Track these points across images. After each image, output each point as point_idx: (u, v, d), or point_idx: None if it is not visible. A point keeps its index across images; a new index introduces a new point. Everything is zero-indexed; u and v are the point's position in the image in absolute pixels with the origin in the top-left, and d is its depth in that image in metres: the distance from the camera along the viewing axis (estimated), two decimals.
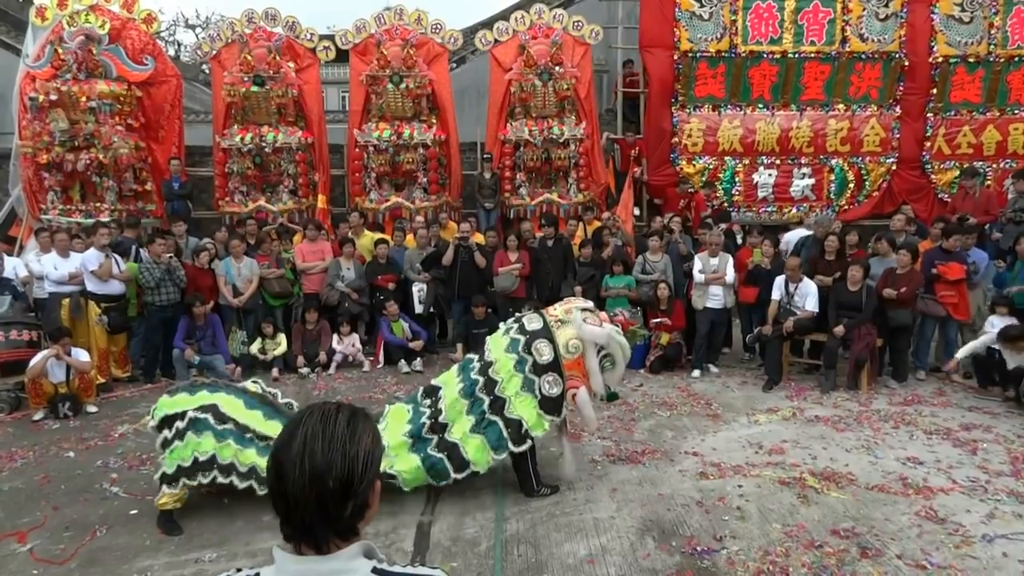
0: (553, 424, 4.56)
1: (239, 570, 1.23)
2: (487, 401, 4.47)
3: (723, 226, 9.14)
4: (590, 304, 4.91)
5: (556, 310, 4.75)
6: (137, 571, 3.76)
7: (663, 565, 3.70)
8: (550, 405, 4.45)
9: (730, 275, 7.81)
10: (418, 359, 8.22)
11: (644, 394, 7.05)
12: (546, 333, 4.55)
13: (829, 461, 5.13)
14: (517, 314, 5.01)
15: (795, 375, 7.72)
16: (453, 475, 4.46)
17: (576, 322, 4.58)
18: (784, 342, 7.55)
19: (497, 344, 4.65)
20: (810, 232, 8.78)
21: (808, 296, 7.34)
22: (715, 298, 7.82)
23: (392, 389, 7.37)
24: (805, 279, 7.43)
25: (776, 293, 7.54)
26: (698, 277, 7.86)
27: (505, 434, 4.44)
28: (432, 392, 4.74)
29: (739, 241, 9.05)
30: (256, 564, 1.20)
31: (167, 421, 4.30)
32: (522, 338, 4.54)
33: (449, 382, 4.73)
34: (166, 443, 4.26)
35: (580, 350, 4.51)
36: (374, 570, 1.16)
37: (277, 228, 9.48)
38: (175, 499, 4.22)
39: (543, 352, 4.47)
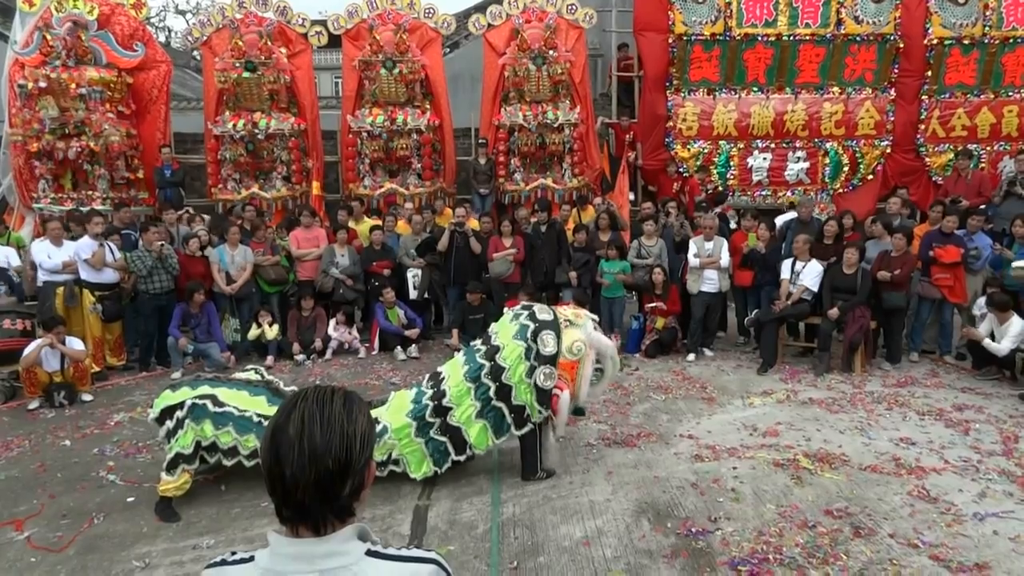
0: (542, 415, 4.60)
1: (234, 553, 1.24)
2: (493, 388, 4.49)
3: (717, 209, 9.14)
4: (596, 318, 5.00)
5: (567, 311, 4.79)
6: (135, 558, 3.77)
7: (658, 546, 3.73)
8: (540, 396, 4.48)
9: (725, 259, 7.82)
10: (413, 346, 8.23)
11: (639, 378, 7.08)
12: (555, 326, 4.57)
13: (823, 442, 5.17)
14: (525, 302, 5.04)
15: (789, 358, 7.76)
16: (454, 456, 4.52)
17: (587, 327, 4.64)
18: (780, 325, 7.58)
19: (505, 330, 4.66)
20: (796, 215, 8.81)
21: (807, 277, 7.36)
22: (710, 282, 7.83)
23: (388, 376, 7.39)
24: (813, 260, 7.44)
25: (785, 272, 7.57)
26: (693, 261, 7.87)
27: (509, 419, 4.49)
28: (436, 377, 4.76)
29: (732, 225, 9.06)
30: (253, 549, 1.20)
31: (168, 412, 4.35)
32: (531, 325, 4.56)
33: (454, 366, 4.75)
34: (169, 434, 4.33)
35: (581, 354, 4.53)
36: (368, 552, 1.17)
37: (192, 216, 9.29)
38: (176, 486, 4.25)
39: (547, 343, 4.49)
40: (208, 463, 4.46)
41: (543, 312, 4.67)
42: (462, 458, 4.56)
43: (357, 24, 10.36)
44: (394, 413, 4.59)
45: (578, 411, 4.86)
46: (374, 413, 4.44)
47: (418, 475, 4.52)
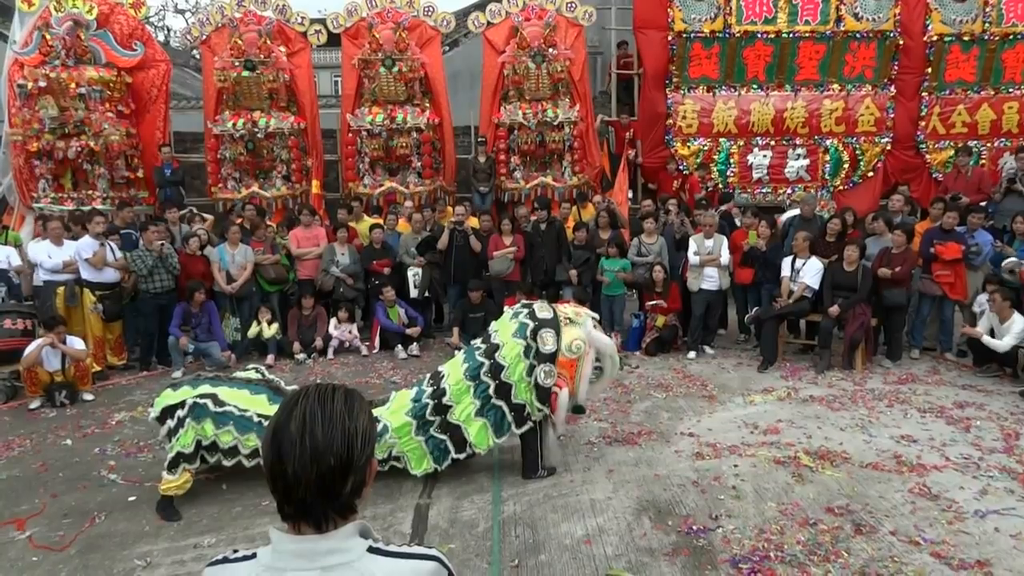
0: (542, 413, 4.60)
1: (235, 551, 1.24)
2: (493, 386, 4.49)
3: (723, 207, 9.14)
4: (597, 316, 5.00)
5: (567, 309, 4.80)
6: (136, 557, 3.77)
7: (659, 544, 3.73)
8: (540, 394, 4.48)
9: (725, 257, 7.82)
10: (414, 344, 8.23)
11: (640, 376, 7.08)
12: (555, 324, 4.57)
13: (824, 440, 5.17)
14: (524, 300, 5.06)
15: (790, 355, 7.76)
16: (453, 455, 4.52)
17: (587, 325, 4.65)
18: (780, 323, 7.57)
19: (505, 328, 4.67)
20: (798, 212, 8.82)
21: (808, 274, 7.36)
22: (710, 279, 7.83)
23: (389, 374, 7.39)
24: (813, 258, 7.44)
25: (785, 270, 7.57)
26: (693, 259, 7.87)
27: (509, 417, 4.49)
28: (436, 375, 4.76)
29: (738, 223, 9.04)
30: (254, 547, 1.20)
31: (169, 411, 4.34)
32: (530, 323, 4.56)
33: (454, 364, 4.76)
34: (170, 433, 4.32)
35: (580, 352, 4.53)
36: (369, 549, 1.17)
37: (187, 214, 9.28)
38: (177, 485, 4.25)
39: (547, 341, 4.49)
40: (208, 463, 4.45)
41: (543, 310, 4.67)
42: (462, 456, 4.56)
43: (356, 22, 10.34)
44: (394, 412, 4.59)
45: (577, 409, 4.87)
46: (374, 412, 4.44)
47: (418, 471, 4.53)
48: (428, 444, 4.53)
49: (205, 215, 9.47)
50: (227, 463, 4.38)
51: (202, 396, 4.35)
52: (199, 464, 4.36)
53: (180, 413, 4.30)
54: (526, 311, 4.69)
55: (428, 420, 4.53)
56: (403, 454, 4.54)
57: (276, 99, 10.20)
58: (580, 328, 4.61)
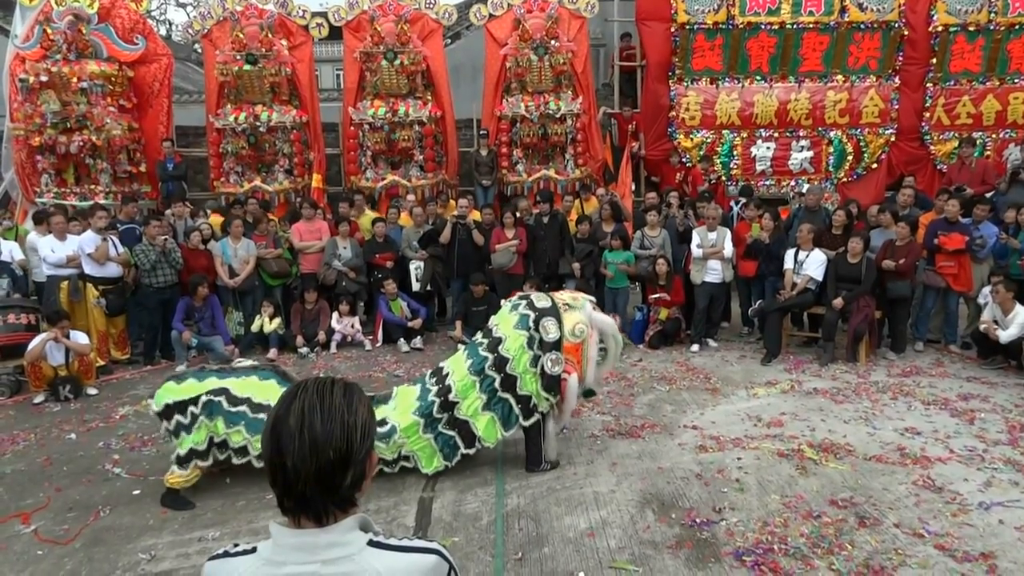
0: (549, 403, 4.59)
1: (236, 545, 1.23)
2: (498, 379, 4.48)
3: (743, 200, 9.11)
4: (594, 299, 5.01)
5: (563, 295, 4.80)
6: (141, 550, 3.78)
7: (663, 537, 3.73)
8: (549, 382, 4.47)
9: (728, 249, 7.80)
10: (418, 337, 8.23)
11: (643, 369, 7.07)
12: (555, 312, 4.57)
13: (827, 432, 5.16)
14: (522, 292, 5.05)
15: (794, 348, 7.74)
16: (463, 450, 4.53)
17: (586, 308, 4.66)
18: (784, 315, 7.55)
19: (506, 321, 4.66)
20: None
21: (811, 267, 7.34)
22: (713, 272, 7.81)
23: (392, 368, 7.39)
24: (816, 250, 7.42)
25: (788, 262, 7.55)
26: (696, 252, 7.85)
27: (516, 410, 4.49)
28: (439, 372, 4.76)
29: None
30: (257, 541, 1.20)
31: (178, 407, 4.25)
32: (531, 314, 4.56)
33: (457, 361, 4.75)
34: (178, 429, 4.24)
35: (584, 336, 4.53)
36: (370, 542, 1.17)
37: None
38: (185, 479, 4.25)
39: (550, 330, 4.48)
40: (219, 460, 4.39)
41: (541, 300, 4.67)
42: (472, 451, 4.56)
43: (358, 15, 10.33)
44: (401, 412, 4.57)
45: (588, 393, 4.87)
46: (380, 413, 4.43)
47: (429, 470, 4.52)
48: (437, 441, 4.53)
49: (206, 210, 9.47)
50: (237, 461, 4.35)
51: (215, 393, 4.26)
52: (211, 462, 4.32)
53: (193, 410, 4.22)
54: (524, 303, 4.69)
55: (435, 417, 4.52)
56: (413, 453, 4.54)
57: (278, 93, 10.20)
58: (580, 312, 4.61)
